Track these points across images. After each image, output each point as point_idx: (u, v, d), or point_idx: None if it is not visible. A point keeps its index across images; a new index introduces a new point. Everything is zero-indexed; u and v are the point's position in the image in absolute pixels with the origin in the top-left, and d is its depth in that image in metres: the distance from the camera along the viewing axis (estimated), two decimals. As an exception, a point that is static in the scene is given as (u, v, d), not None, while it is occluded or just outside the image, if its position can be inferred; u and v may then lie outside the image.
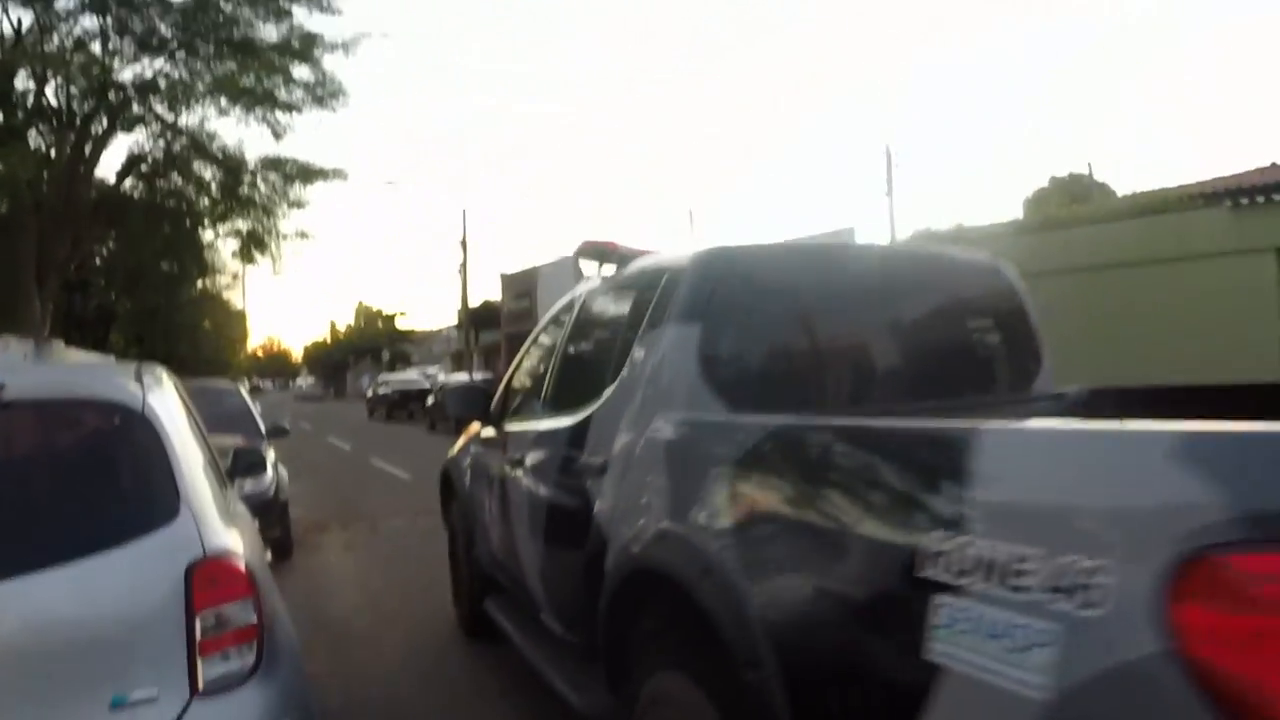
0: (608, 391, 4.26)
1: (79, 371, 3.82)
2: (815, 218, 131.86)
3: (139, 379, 3.55)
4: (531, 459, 5.07)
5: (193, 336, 37.76)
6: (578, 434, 4.43)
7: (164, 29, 21.17)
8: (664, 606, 3.33)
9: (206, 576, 3.07)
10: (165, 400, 3.58)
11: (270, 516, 9.78)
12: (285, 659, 3.39)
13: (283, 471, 10.83)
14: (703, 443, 3.41)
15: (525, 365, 6.14)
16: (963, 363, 4.56)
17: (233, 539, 3.34)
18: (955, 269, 4.87)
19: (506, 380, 6.41)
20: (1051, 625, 1.83)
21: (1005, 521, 2.02)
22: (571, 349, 5.20)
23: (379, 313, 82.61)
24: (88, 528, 3.13)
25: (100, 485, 3.27)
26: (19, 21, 20.11)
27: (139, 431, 3.29)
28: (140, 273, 26.52)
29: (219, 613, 3.08)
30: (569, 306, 5.49)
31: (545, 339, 5.88)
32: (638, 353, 4.09)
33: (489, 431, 6.33)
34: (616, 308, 4.70)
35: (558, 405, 4.96)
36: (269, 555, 9.54)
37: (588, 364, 4.89)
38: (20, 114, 20.78)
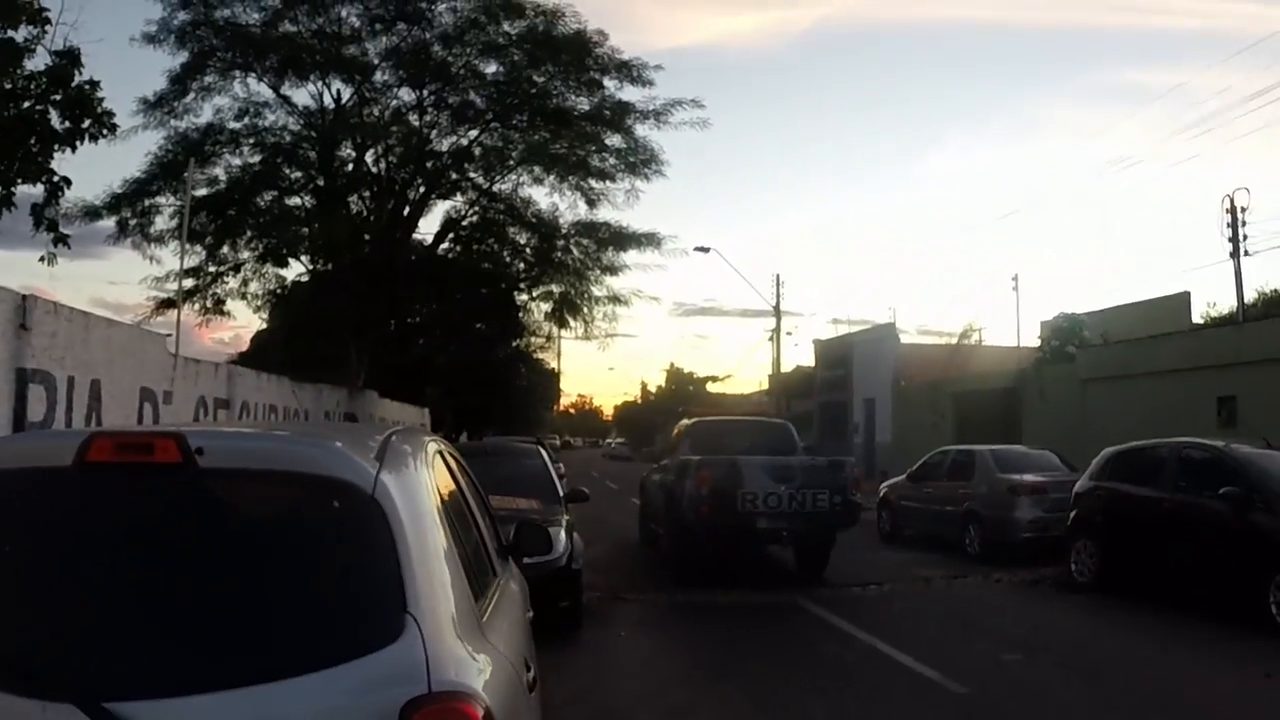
0: None
1: (306, 439, 3.13)
2: (1152, 280, 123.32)
3: (381, 450, 2.88)
4: (655, 474, 16.72)
5: (505, 392, 38.79)
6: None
7: (478, 101, 21.80)
8: None
9: None
10: (410, 479, 2.90)
11: (560, 586, 9.28)
12: None
13: (577, 540, 10.29)
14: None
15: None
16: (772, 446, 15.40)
17: (475, 668, 2.62)
18: (767, 425, 18.78)
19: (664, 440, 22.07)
20: None
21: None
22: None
23: (690, 375, 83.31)
24: (283, 642, 2.47)
25: (305, 587, 2.59)
26: (338, 93, 21.06)
27: (363, 519, 2.61)
28: (456, 330, 27.31)
29: None
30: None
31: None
32: None
33: (652, 465, 18.16)
34: None
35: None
36: (562, 621, 9.08)
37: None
38: (341, 180, 21.63)
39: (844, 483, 13.31)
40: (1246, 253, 27.91)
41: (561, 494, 11.74)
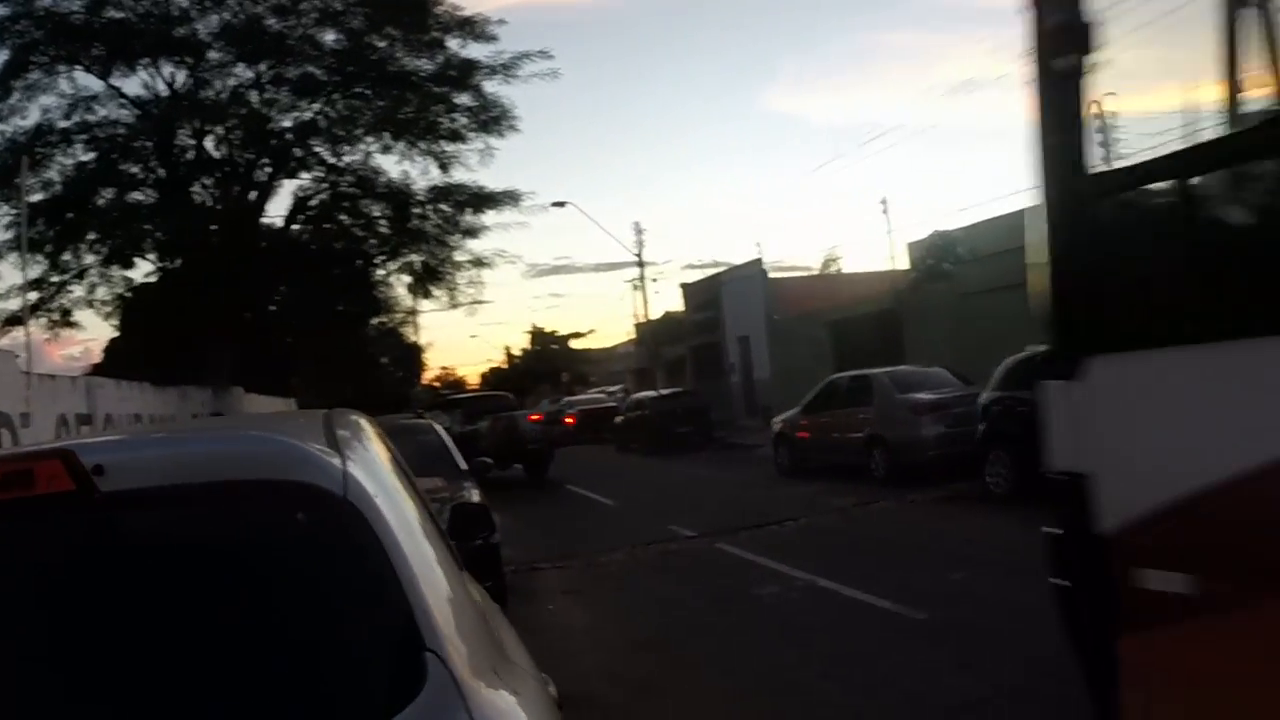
0: None
1: (240, 432, 2.42)
2: (1010, 196, 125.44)
3: (332, 437, 2.12)
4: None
5: (372, 374, 37.59)
6: None
7: (318, 72, 20.84)
8: None
9: None
10: (375, 470, 2.19)
11: (483, 565, 8.57)
12: None
13: (493, 515, 9.61)
14: None
15: None
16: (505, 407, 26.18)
17: (518, 706, 1.97)
18: (500, 396, 29.74)
19: None
20: None
21: None
22: None
23: (553, 334, 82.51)
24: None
25: (281, 644, 1.84)
26: (172, 77, 19.95)
27: (340, 532, 1.86)
28: (315, 315, 26.23)
29: None
30: None
31: None
32: None
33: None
34: None
35: None
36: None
37: None
38: (181, 169, 20.56)
39: (550, 425, 26.53)
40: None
41: (464, 467, 11.01)
